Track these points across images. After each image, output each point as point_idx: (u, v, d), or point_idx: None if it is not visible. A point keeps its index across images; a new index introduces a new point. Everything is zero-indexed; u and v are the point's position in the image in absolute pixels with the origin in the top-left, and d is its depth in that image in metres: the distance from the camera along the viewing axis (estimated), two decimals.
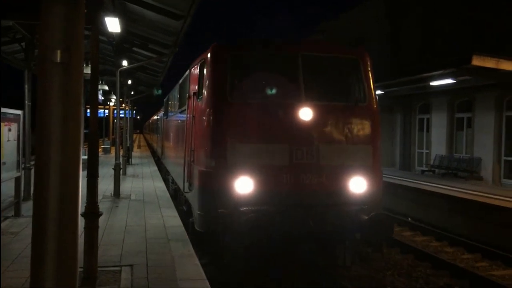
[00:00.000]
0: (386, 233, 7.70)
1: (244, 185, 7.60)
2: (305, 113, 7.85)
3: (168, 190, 16.07)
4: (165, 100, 20.08)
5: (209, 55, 8.25)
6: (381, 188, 8.42)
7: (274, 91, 8.28)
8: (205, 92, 8.18)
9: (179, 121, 12.31)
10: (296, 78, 8.08)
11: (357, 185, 8.09)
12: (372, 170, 8.26)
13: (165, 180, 18.39)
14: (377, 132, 8.46)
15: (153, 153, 36.66)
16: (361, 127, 8.31)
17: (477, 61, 14.01)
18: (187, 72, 10.74)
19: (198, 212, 7.87)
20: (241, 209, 7.29)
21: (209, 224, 7.67)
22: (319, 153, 7.91)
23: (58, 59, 2.13)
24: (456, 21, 20.63)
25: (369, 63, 8.65)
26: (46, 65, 2.16)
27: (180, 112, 12.04)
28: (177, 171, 12.32)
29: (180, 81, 12.83)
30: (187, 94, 9.99)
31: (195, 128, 8.71)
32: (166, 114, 18.66)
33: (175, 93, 14.39)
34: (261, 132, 7.79)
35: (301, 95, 7.98)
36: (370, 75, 8.60)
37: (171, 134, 15.26)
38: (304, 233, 7.37)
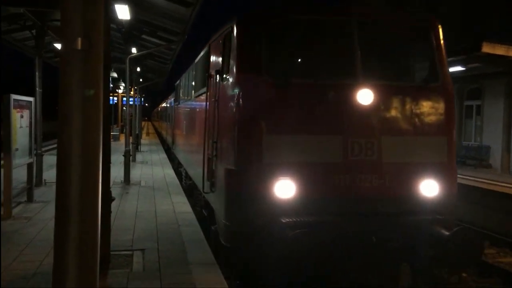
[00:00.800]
0: (474, 255, 6.04)
1: (284, 188, 5.98)
2: (363, 96, 6.18)
3: (181, 183, 14.82)
4: (176, 84, 18.22)
5: (237, 23, 6.56)
6: (456, 192, 6.79)
7: (322, 67, 6.60)
8: (232, 68, 6.47)
9: (195, 107, 10.60)
10: (351, 51, 6.36)
11: (430, 188, 6.45)
12: (448, 169, 6.61)
13: (176, 169, 18.42)
14: (453, 119, 6.80)
15: (162, 140, 36.84)
16: (434, 113, 6.61)
17: (487, 48, 13.92)
18: (207, 47, 8.90)
19: (224, 222, 6.23)
20: (283, 221, 5.78)
21: (240, 238, 6.08)
22: (381, 147, 6.27)
23: (79, 47, 2.20)
24: (462, 6, 20.44)
25: (440, 32, 6.88)
26: (67, 53, 2.23)
27: (197, 97, 10.24)
28: (192, 166, 10.74)
29: (197, 60, 10.88)
30: (206, 74, 8.19)
31: (219, 115, 6.97)
32: (177, 100, 17.10)
33: (190, 75, 12.53)
34: (306, 120, 6.16)
35: (358, 73, 6.28)
36: (442, 47, 6.86)
37: (185, 122, 13.53)
38: (364, 251, 5.85)
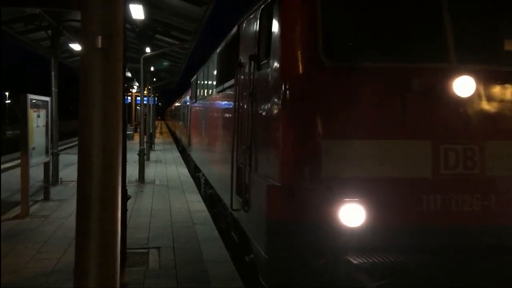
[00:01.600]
0: None
1: (351, 214, 4.34)
2: (461, 85, 4.50)
3: (199, 191, 13.11)
4: (191, 81, 16.76)
5: None
6: None
7: (401, 46, 4.88)
8: (275, 50, 4.82)
9: (218, 105, 8.97)
10: (439, 22, 4.65)
11: None
12: None
13: (192, 173, 18.32)
14: None
15: (176, 139, 37.03)
16: None
17: None
18: (235, 29, 7.13)
19: (266, 258, 4.59)
20: (353, 261, 4.16)
21: (287, 280, 4.49)
22: (486, 156, 4.59)
23: (99, 45, 2.22)
24: None
25: None
26: (88, 51, 2.25)
27: (220, 92, 8.60)
28: (215, 174, 9.13)
29: (220, 48, 9.12)
30: (236, 62, 6.42)
31: (255, 113, 5.41)
32: (194, 97, 15.46)
33: (210, 68, 10.76)
34: (380, 119, 4.51)
35: (450, 54, 4.59)
36: None
37: (203, 122, 11.79)
38: None
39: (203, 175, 12.01)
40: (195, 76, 15.46)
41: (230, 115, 6.88)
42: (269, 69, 4.99)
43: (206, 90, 11.69)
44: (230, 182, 6.43)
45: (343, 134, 4.46)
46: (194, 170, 15.93)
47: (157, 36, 17.88)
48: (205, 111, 11.77)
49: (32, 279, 5.97)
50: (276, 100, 4.74)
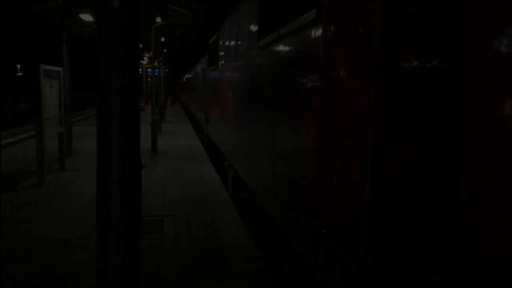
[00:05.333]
0: None
1: None
2: None
3: (227, 190, 9.90)
4: (211, 42, 13.65)
5: None
6: None
7: None
8: None
9: (263, 66, 5.89)
10: None
11: None
12: None
13: (203, 142, 18.32)
14: None
15: (187, 112, 37.06)
16: None
17: None
18: None
19: None
20: None
21: None
22: None
23: (116, 4, 2.19)
24: None
25: None
26: (104, 12, 2.23)
27: (268, 45, 5.52)
28: (268, 188, 5.56)
29: None
30: None
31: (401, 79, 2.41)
32: (214, 62, 12.28)
33: (246, 13, 7.47)
34: None
35: None
36: None
37: (232, 94, 8.94)
38: None
39: (235, 172, 8.85)
40: (215, 36, 12.42)
41: (300, 85, 4.16)
42: None
43: (236, 49, 8.47)
44: (309, 215, 3.74)
45: None
46: (215, 153, 13.36)
47: (168, 5, 17.71)
48: (234, 79, 8.71)
49: (49, 246, 6.08)
50: None
